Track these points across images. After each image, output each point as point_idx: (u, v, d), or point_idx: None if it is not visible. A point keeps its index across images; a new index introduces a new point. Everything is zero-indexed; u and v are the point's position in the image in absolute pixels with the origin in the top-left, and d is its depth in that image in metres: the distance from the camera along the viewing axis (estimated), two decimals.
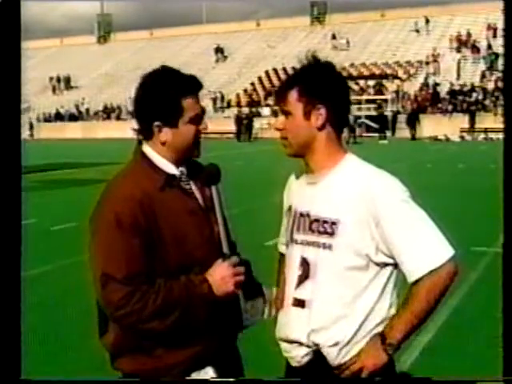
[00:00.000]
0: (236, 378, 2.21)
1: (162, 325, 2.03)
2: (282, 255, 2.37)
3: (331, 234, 2.06)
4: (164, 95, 2.08)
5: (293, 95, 2.10)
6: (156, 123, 2.10)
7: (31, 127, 46.33)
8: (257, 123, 38.56)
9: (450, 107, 36.19)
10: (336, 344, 2.08)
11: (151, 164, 2.14)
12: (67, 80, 56.08)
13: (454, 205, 10.87)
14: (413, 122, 34.80)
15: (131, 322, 2.02)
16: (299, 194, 2.21)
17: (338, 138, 2.16)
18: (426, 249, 2.01)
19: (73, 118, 50.13)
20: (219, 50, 53.32)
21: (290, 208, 2.25)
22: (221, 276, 2.08)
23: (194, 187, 2.19)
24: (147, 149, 2.16)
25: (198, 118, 2.14)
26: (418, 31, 48.20)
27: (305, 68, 2.14)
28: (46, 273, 7.18)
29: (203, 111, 2.18)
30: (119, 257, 2.00)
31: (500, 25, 36.36)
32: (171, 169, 2.14)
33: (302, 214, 2.17)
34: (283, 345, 2.21)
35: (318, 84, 2.10)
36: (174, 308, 2.03)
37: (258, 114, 40.86)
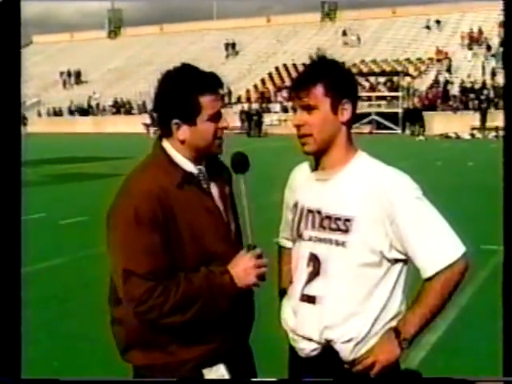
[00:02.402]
0: (235, 378, 2.21)
1: (182, 318, 2.04)
2: (282, 248, 2.42)
3: (345, 231, 2.07)
4: (181, 93, 2.08)
5: (319, 89, 2.08)
6: (174, 121, 2.10)
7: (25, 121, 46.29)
8: (267, 119, 38.57)
9: (460, 105, 36.03)
10: (349, 340, 2.09)
11: (170, 161, 2.13)
12: (78, 74, 56.25)
13: (463, 203, 10.83)
14: (416, 119, 34.83)
15: (153, 317, 2.03)
16: (306, 191, 2.21)
17: (351, 134, 2.17)
18: (441, 245, 2.04)
19: (83, 112, 50.27)
20: (230, 45, 53.30)
21: (295, 204, 2.25)
22: (243, 267, 2.08)
23: (212, 186, 2.19)
24: (167, 145, 2.16)
25: (217, 116, 2.13)
26: (429, 28, 48.00)
27: (328, 63, 2.14)
28: (55, 266, 7.21)
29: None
30: (140, 252, 2.01)
31: None
32: (189, 167, 2.14)
33: (310, 211, 2.17)
34: (292, 335, 2.22)
35: (343, 79, 2.12)
36: (194, 300, 2.04)
37: (268, 110, 40.85)
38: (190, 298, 2.03)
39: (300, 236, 2.20)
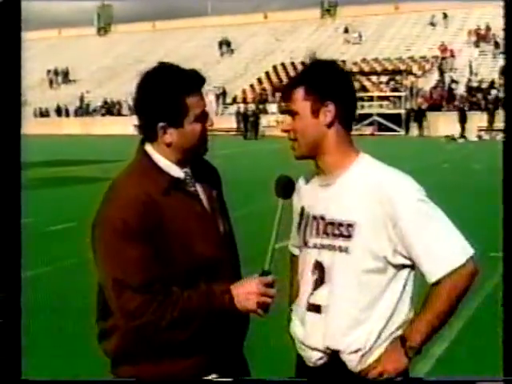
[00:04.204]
0: (236, 378, 2.22)
1: (180, 335, 2.04)
2: (294, 256, 2.41)
3: (347, 237, 2.08)
4: (167, 95, 2.07)
5: (299, 93, 2.12)
6: (160, 124, 2.09)
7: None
8: (264, 120, 38.62)
9: (466, 105, 36.12)
10: (356, 351, 2.10)
11: (155, 166, 2.13)
12: (65, 73, 56.26)
13: (470, 207, 10.85)
14: (419, 119, 34.92)
15: (149, 333, 2.03)
16: (311, 197, 2.23)
17: (348, 136, 2.18)
18: (446, 248, 2.04)
19: (71, 113, 50.24)
20: (225, 43, 53.36)
21: (301, 211, 2.26)
22: (247, 291, 2.07)
23: (199, 189, 2.19)
24: (150, 149, 2.15)
25: (204, 116, 2.14)
26: (433, 25, 48.15)
27: (308, 66, 2.19)
28: (42, 275, 7.20)
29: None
30: (131, 263, 2.00)
31: None
32: (175, 171, 2.14)
33: (315, 217, 2.19)
34: (299, 344, 2.23)
35: (324, 81, 2.13)
36: (192, 318, 2.03)
37: (265, 111, 40.90)
38: (189, 315, 2.03)
39: (306, 243, 2.22)
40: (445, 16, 47.55)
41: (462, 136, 32.70)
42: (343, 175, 2.14)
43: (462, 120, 33.72)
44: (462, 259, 2.03)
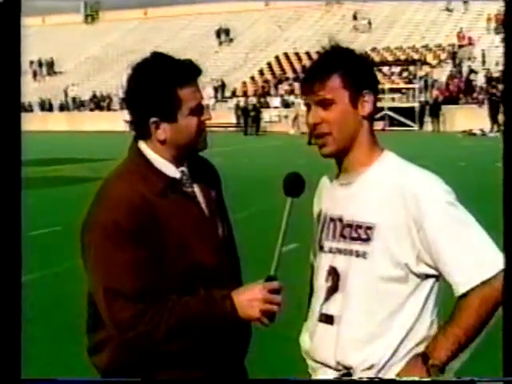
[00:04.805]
0: (235, 378, 2.23)
1: (177, 347, 2.04)
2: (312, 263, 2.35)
3: (366, 240, 2.04)
4: (158, 87, 2.07)
5: (335, 81, 2.06)
6: (152, 119, 2.09)
7: None
8: (266, 115, 38.64)
9: (486, 97, 36.11)
10: (370, 367, 2.05)
11: (149, 165, 2.13)
12: (50, 64, 56.29)
13: (491, 210, 10.83)
14: (435, 113, 34.90)
15: (143, 345, 2.03)
16: (330, 197, 2.19)
17: (373, 131, 2.16)
18: (477, 257, 1.98)
19: (57, 107, 50.26)
20: (223, 32, 53.39)
21: (319, 213, 2.23)
22: (249, 297, 2.05)
23: (196, 189, 2.19)
24: (144, 147, 2.15)
25: (199, 109, 2.13)
26: (450, 10, 48.11)
27: (344, 51, 2.13)
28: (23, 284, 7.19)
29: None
30: (123, 270, 2.00)
31: None
32: (171, 171, 2.14)
33: (332, 219, 2.15)
34: (309, 362, 2.20)
35: (362, 68, 2.11)
36: (191, 327, 2.03)
37: (267, 105, 40.93)
38: (186, 324, 2.03)
39: (321, 248, 2.18)
40: (465, 1, 47.43)
41: (495, 130, 31.96)
42: (365, 173, 2.10)
43: (494, 112, 32.81)
44: (494, 269, 1.95)
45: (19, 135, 1.94)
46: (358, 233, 2.06)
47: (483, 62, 40.24)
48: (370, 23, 48.68)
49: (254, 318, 2.07)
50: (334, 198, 2.17)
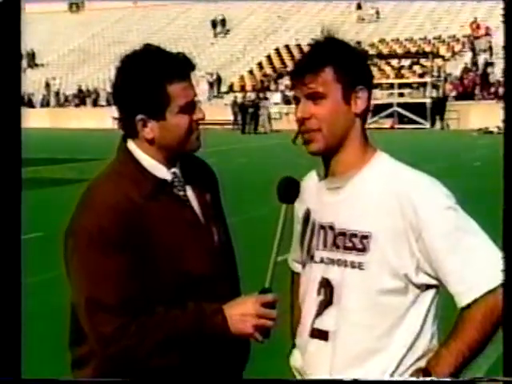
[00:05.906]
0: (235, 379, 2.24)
1: (163, 362, 2.04)
2: (295, 274, 2.36)
3: (362, 250, 2.05)
4: (145, 82, 2.07)
5: (328, 74, 2.07)
6: (139, 117, 2.09)
7: None
8: (265, 112, 38.66)
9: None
10: None
11: (138, 166, 2.13)
12: (31, 56, 56.30)
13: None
14: (441, 110, 35.00)
15: (127, 361, 2.03)
16: (317, 203, 2.19)
17: (365, 130, 2.16)
18: (480, 266, 1.99)
19: (38, 103, 50.28)
20: (219, 22, 53.45)
21: (305, 219, 2.23)
22: (242, 312, 2.05)
23: (189, 193, 2.19)
24: (133, 147, 2.15)
25: (191, 107, 2.13)
26: None
27: (338, 43, 2.14)
28: None
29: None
30: (107, 279, 2.00)
31: None
32: (162, 172, 2.14)
33: (322, 227, 2.15)
34: (299, 377, 2.20)
35: (356, 62, 2.12)
36: (179, 342, 2.03)
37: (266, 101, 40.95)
38: (174, 338, 2.03)
39: (312, 258, 2.18)
40: None
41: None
42: (357, 176, 2.11)
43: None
44: (499, 278, 1.95)
45: (19, 135, 1.96)
46: (353, 242, 2.07)
47: (502, 54, 40.24)
48: (377, 13, 48.73)
49: (247, 334, 2.08)
50: (320, 204, 2.17)
